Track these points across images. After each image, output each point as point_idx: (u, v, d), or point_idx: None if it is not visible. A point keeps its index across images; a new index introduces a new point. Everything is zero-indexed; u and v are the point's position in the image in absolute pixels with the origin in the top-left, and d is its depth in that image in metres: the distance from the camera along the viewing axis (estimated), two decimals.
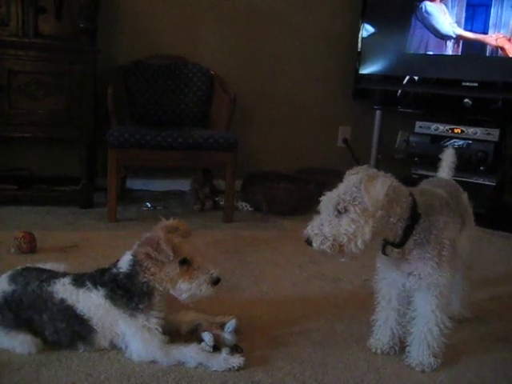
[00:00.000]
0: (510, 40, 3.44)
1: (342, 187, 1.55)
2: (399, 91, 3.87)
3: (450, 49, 3.68)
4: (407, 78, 3.82)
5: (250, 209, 3.60)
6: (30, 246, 2.52)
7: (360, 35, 3.94)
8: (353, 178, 1.55)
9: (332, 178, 3.87)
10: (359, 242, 1.50)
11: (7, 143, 3.57)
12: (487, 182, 3.63)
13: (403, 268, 1.70)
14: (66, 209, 3.31)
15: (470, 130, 3.68)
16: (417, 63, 3.81)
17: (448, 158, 2.11)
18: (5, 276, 1.77)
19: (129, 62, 3.60)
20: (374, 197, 1.49)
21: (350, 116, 4.25)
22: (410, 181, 3.61)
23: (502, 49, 3.48)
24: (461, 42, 3.64)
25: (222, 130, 3.42)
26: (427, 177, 3.32)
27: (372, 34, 3.93)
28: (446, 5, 3.64)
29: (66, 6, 3.33)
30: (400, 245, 1.63)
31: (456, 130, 3.73)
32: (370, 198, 1.49)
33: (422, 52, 3.79)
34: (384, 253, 1.68)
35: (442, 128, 3.77)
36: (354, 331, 1.98)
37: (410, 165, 3.87)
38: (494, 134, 3.61)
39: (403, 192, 1.60)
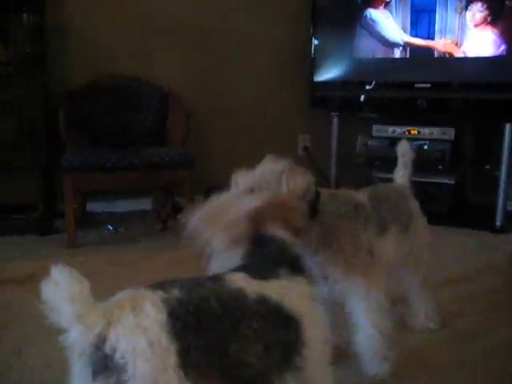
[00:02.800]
0: (456, 45, 3.49)
1: (258, 172, 1.55)
2: (354, 96, 3.89)
3: (398, 54, 3.73)
4: (361, 83, 3.85)
5: None
6: None
7: (312, 43, 3.96)
8: (271, 166, 1.56)
9: None
10: None
11: None
12: (446, 181, 3.67)
13: (321, 273, 1.68)
14: (24, 237, 3.24)
15: (427, 131, 3.71)
16: (369, 68, 3.84)
17: (402, 153, 2.09)
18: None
19: (81, 83, 3.55)
20: (292, 189, 1.50)
21: (309, 124, 4.26)
22: (372, 184, 3.66)
23: (450, 54, 3.53)
24: (408, 48, 3.68)
25: (179, 147, 3.40)
26: (389, 180, 3.36)
27: (323, 41, 3.95)
28: (390, 11, 3.68)
29: (12, 32, 3.29)
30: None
31: (413, 132, 3.76)
32: (288, 189, 1.50)
33: (371, 57, 3.83)
34: None
35: (398, 130, 3.79)
36: None
37: (371, 169, 3.89)
38: (450, 133, 3.65)
39: (312, 189, 1.61)
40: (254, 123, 4.15)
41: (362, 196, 1.75)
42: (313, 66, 3.97)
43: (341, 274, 1.63)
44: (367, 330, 1.67)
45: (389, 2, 3.67)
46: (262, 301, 1.08)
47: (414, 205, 1.97)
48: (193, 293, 1.03)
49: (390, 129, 3.83)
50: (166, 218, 3.48)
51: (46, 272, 2.53)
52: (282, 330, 1.09)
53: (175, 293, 1.01)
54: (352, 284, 1.64)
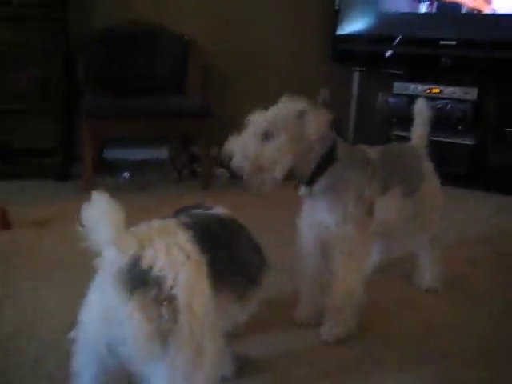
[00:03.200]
0: (486, 0, 3.39)
1: (272, 113, 1.55)
2: (377, 52, 3.82)
3: (424, 9, 3.63)
4: (385, 38, 3.77)
5: (228, 175, 3.58)
6: (3, 222, 2.51)
7: None
8: (286, 106, 1.56)
9: None
10: (278, 170, 1.50)
11: None
12: (466, 142, 3.62)
13: (316, 217, 1.67)
14: (42, 182, 3.29)
15: (449, 90, 3.64)
16: (394, 23, 3.75)
17: (419, 112, 2.06)
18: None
19: (102, 29, 3.53)
20: (315, 129, 1.50)
21: (329, 78, 4.20)
22: (390, 142, 3.63)
23: (479, 10, 3.42)
24: (436, 3, 3.58)
25: (197, 96, 3.38)
26: (407, 139, 3.32)
27: None
28: None
29: None
30: (309, 182, 1.61)
31: (434, 90, 3.69)
32: (311, 129, 1.49)
33: (396, 11, 3.74)
34: (297, 191, 1.67)
35: (420, 88, 3.73)
36: None
37: (390, 126, 3.84)
38: (473, 94, 3.58)
39: (330, 133, 1.60)
40: (274, 75, 4.09)
41: (373, 152, 1.74)
42: (336, 18, 3.89)
43: (336, 221, 1.62)
44: (339, 289, 1.65)
45: None
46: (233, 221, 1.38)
47: (428, 166, 1.96)
48: (198, 219, 1.26)
49: (412, 86, 3.76)
50: (182, 167, 3.50)
51: (62, 216, 2.56)
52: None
53: (188, 219, 1.22)
54: (342, 235, 1.62)
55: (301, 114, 1.51)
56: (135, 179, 3.43)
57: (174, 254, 1.09)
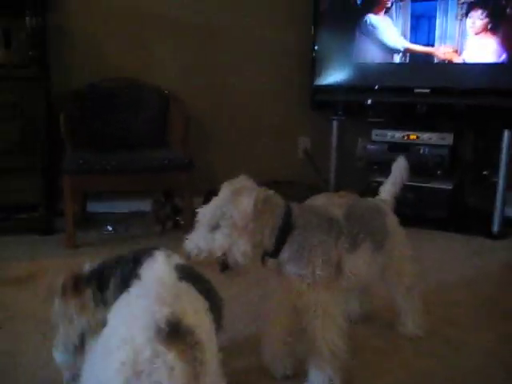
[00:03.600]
0: (456, 52, 3.50)
1: (215, 202, 1.59)
2: (354, 100, 3.92)
3: (397, 60, 3.74)
4: (361, 87, 3.87)
5: None
6: None
7: (313, 46, 3.97)
8: (224, 191, 1.60)
9: (295, 190, 3.94)
10: (238, 256, 1.53)
11: None
12: (444, 186, 3.68)
13: (285, 285, 1.70)
14: (25, 237, 3.29)
15: (426, 136, 3.73)
16: (369, 73, 3.86)
17: (396, 170, 2.10)
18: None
19: (83, 85, 3.59)
20: (242, 211, 1.53)
21: (309, 126, 4.28)
22: (371, 188, 3.69)
23: (450, 61, 3.54)
24: (408, 53, 3.70)
25: (179, 149, 3.43)
26: None
27: (324, 45, 3.96)
28: (391, 17, 3.69)
29: (14, 35, 3.33)
30: (274, 254, 1.64)
31: (412, 136, 3.77)
32: (238, 212, 1.53)
33: (372, 62, 3.85)
34: (263, 264, 1.70)
35: (398, 135, 3.81)
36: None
37: (371, 172, 3.91)
38: (449, 139, 3.66)
39: (276, 203, 1.63)
40: (254, 125, 4.17)
41: (336, 210, 1.76)
42: (314, 69, 3.99)
43: (306, 286, 1.64)
44: (319, 348, 1.66)
45: (389, 8, 3.68)
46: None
47: (391, 221, 1.98)
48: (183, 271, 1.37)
49: (390, 133, 3.84)
50: (165, 220, 3.52)
51: (43, 272, 2.54)
52: None
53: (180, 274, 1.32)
54: (314, 299, 1.64)
55: (232, 197, 1.56)
56: (118, 232, 3.44)
57: (196, 305, 1.20)
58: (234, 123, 4.12)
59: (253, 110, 4.16)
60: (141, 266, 1.30)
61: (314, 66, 3.99)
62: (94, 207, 3.82)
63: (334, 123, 4.04)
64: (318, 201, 3.57)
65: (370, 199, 2.06)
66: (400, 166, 2.10)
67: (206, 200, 3.71)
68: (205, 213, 1.57)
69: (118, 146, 3.44)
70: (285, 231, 1.62)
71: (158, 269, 1.25)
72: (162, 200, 3.56)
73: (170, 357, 1.06)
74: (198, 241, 1.54)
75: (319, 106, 4.07)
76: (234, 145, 4.15)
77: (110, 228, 3.48)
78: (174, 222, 3.55)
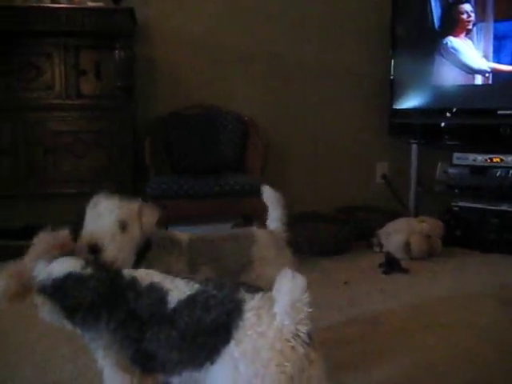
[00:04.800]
0: None
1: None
2: (434, 124, 3.86)
3: (479, 81, 3.67)
4: (441, 110, 3.81)
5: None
6: None
7: (391, 70, 3.96)
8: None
9: (373, 215, 3.91)
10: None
11: (54, 199, 3.74)
12: None
13: None
14: None
15: (510, 159, 3.62)
16: (449, 95, 3.80)
17: (267, 199, 2.15)
18: None
19: (166, 113, 3.74)
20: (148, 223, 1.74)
21: (387, 151, 4.25)
22: (452, 213, 3.60)
23: None
24: (491, 74, 3.62)
25: (257, 175, 3.49)
26: (469, 209, 3.29)
27: (402, 69, 3.95)
28: (471, 39, 3.64)
29: (104, 67, 3.51)
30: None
31: (495, 159, 3.68)
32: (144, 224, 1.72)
33: (452, 84, 3.79)
34: None
35: (480, 158, 3.73)
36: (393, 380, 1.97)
37: (451, 197, 3.82)
38: None
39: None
40: (332, 151, 4.19)
41: (183, 235, 1.91)
42: (392, 93, 3.98)
43: None
44: None
45: (470, 30, 3.63)
46: None
47: (262, 251, 1.95)
48: None
49: (472, 156, 3.77)
50: None
51: None
52: None
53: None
54: None
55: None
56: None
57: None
58: (312, 148, 4.15)
59: (331, 136, 4.17)
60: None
61: (392, 91, 3.97)
62: (175, 230, 3.92)
63: (413, 147, 4.00)
64: (398, 225, 3.53)
65: (244, 229, 2.14)
66: (268, 194, 2.15)
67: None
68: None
69: (199, 172, 3.54)
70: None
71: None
72: (241, 224, 3.61)
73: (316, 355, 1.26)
74: None
75: (398, 131, 4.04)
76: (312, 170, 4.17)
77: None
78: None
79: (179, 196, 3.14)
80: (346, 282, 2.96)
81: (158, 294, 1.38)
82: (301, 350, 1.24)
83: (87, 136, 3.42)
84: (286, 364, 1.22)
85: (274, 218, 2.11)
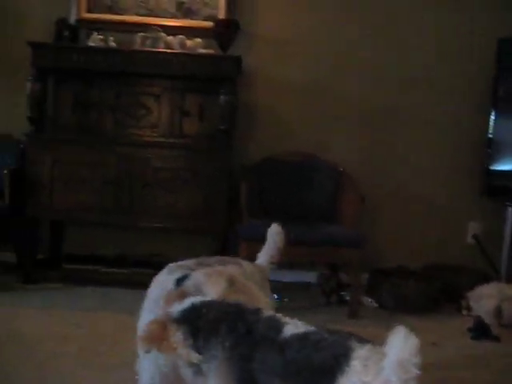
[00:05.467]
0: None
1: None
2: None
3: None
4: None
5: (376, 305, 3.57)
6: None
7: (490, 129, 3.90)
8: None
9: (462, 276, 3.81)
10: None
11: (148, 231, 3.89)
12: None
13: None
14: None
15: None
16: None
17: (269, 237, 2.13)
18: None
19: (262, 158, 3.83)
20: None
21: (480, 211, 4.15)
22: None
23: None
24: None
25: (349, 226, 3.49)
26: None
27: (503, 129, 3.88)
28: None
29: (207, 110, 3.68)
30: None
31: None
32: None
33: None
34: None
35: None
36: None
37: None
38: None
39: None
40: (424, 206, 4.13)
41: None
42: (489, 153, 3.91)
43: None
44: None
45: None
46: None
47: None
48: None
49: None
50: (330, 293, 3.56)
51: None
52: None
53: None
54: None
55: None
56: (284, 301, 3.53)
57: None
58: (405, 203, 4.11)
59: (424, 191, 4.13)
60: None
61: (489, 149, 3.90)
62: None
63: (509, 210, 3.89)
64: (490, 289, 3.43)
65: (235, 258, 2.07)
66: (273, 231, 2.13)
67: (372, 277, 3.72)
68: None
69: (291, 219, 3.57)
70: None
71: None
72: (329, 273, 3.62)
73: None
74: None
75: (493, 192, 3.95)
76: (401, 224, 4.13)
77: (276, 296, 3.58)
78: (338, 296, 3.58)
79: None
80: (434, 343, 2.89)
81: (275, 323, 1.43)
82: None
83: (185, 174, 3.56)
84: None
85: (266, 253, 2.14)
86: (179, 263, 1.86)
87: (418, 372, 1.23)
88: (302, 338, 1.38)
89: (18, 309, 3.05)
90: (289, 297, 3.60)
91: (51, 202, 3.53)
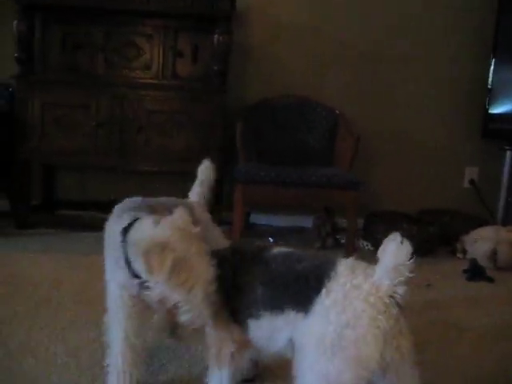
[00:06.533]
0: None
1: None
2: None
3: None
4: None
5: (371, 248, 3.57)
6: None
7: (491, 74, 3.83)
8: None
9: (458, 221, 3.81)
10: None
11: (142, 176, 3.85)
12: None
13: None
14: None
15: None
16: None
17: (201, 172, 2.08)
18: None
19: (257, 101, 3.75)
20: None
21: (477, 156, 4.12)
22: None
23: None
24: None
25: (345, 168, 3.45)
26: None
27: (503, 73, 3.81)
28: None
29: (201, 50, 3.57)
30: None
31: None
32: None
33: None
34: None
35: None
36: None
37: None
38: None
39: None
40: (420, 151, 4.09)
41: None
42: (489, 97, 3.84)
43: None
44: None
45: None
46: None
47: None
48: None
49: None
50: (326, 237, 3.55)
51: None
52: None
53: None
54: None
55: None
56: (280, 244, 3.52)
57: None
58: (401, 146, 4.08)
59: (419, 135, 4.08)
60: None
61: (489, 93, 3.84)
62: (257, 219, 3.96)
63: (508, 154, 3.85)
64: (485, 233, 3.42)
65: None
66: (203, 167, 2.08)
67: (368, 221, 3.70)
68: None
69: (287, 161, 3.53)
70: None
71: None
72: (324, 217, 3.60)
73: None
74: None
75: (491, 135, 3.90)
76: (397, 168, 4.10)
77: (271, 240, 3.58)
78: (334, 240, 3.57)
79: (265, 182, 3.15)
80: (428, 285, 2.89)
81: (264, 248, 1.54)
82: (394, 311, 1.27)
83: (179, 117, 3.49)
84: (380, 318, 1.24)
85: (197, 191, 2.08)
86: (126, 204, 1.73)
87: (410, 275, 1.28)
88: (286, 254, 1.49)
89: (12, 253, 3.02)
90: (284, 241, 3.60)
91: (42, 146, 3.46)
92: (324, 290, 1.30)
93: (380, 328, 1.24)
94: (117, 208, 1.70)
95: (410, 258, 1.25)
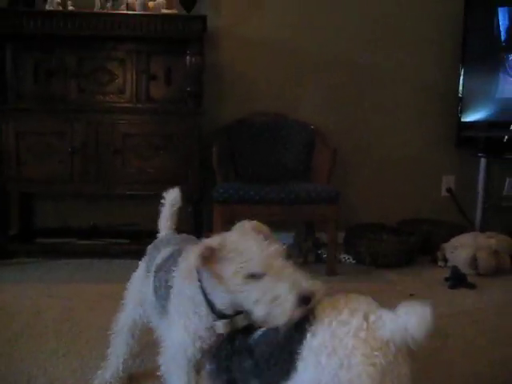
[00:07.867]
0: None
1: None
2: (502, 137, 3.79)
3: None
4: (508, 123, 3.74)
5: (353, 261, 3.58)
6: None
7: (461, 82, 3.89)
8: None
9: (437, 229, 3.84)
10: None
11: (120, 200, 3.83)
12: None
13: None
14: None
15: None
16: None
17: (171, 201, 2.02)
18: None
19: (232, 120, 3.77)
20: None
21: (454, 164, 4.16)
22: None
23: None
24: None
25: (323, 183, 3.47)
26: None
27: (472, 81, 3.88)
28: None
29: (174, 72, 3.58)
30: None
31: None
32: None
33: None
34: None
35: None
36: None
37: None
38: None
39: None
40: (397, 162, 4.12)
41: None
42: (460, 105, 3.90)
43: None
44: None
45: None
46: None
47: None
48: None
49: None
50: (307, 252, 3.55)
51: None
52: None
53: None
54: None
55: None
56: None
57: None
58: (378, 159, 4.11)
59: (396, 147, 4.11)
60: None
61: (460, 103, 3.90)
62: None
63: (482, 161, 3.91)
64: (465, 240, 3.45)
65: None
66: (171, 195, 2.03)
67: (348, 234, 3.71)
68: None
69: (265, 179, 3.54)
70: None
71: None
72: (305, 232, 3.61)
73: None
74: None
75: (466, 144, 3.96)
76: (375, 180, 4.12)
77: None
78: (315, 255, 3.57)
79: (246, 201, 3.16)
80: (411, 294, 2.90)
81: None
82: (392, 346, 1.16)
83: (154, 139, 3.48)
84: (376, 354, 1.13)
85: (167, 224, 2.03)
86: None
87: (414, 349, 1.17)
88: (264, 334, 1.34)
89: None
90: None
91: (19, 174, 3.43)
92: (309, 335, 1.21)
93: (376, 366, 1.13)
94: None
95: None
